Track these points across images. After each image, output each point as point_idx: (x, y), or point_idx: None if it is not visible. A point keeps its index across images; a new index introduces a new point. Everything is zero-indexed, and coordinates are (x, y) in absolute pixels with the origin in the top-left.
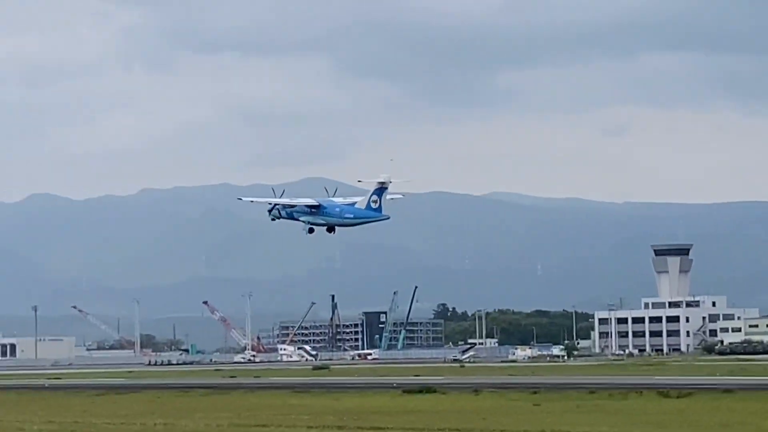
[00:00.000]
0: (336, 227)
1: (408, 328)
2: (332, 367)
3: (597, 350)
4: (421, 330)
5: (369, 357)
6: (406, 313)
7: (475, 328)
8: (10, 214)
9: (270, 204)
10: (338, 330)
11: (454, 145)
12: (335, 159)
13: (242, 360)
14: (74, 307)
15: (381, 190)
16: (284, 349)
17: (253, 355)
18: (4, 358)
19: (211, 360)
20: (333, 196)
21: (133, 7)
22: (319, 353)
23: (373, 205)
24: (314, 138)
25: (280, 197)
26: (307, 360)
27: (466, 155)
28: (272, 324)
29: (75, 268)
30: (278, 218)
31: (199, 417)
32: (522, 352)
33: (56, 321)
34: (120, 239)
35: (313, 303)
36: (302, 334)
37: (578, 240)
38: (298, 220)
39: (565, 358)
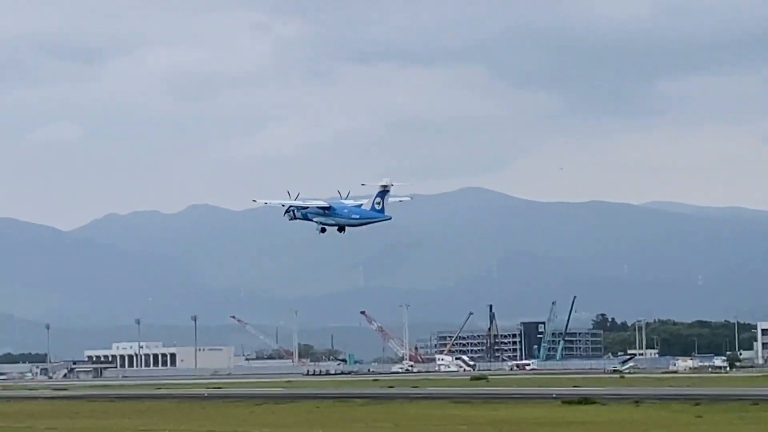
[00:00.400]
0: (346, 227)
1: (567, 338)
2: (490, 377)
3: (760, 361)
4: (579, 340)
5: (527, 367)
6: (565, 323)
7: (635, 338)
8: (170, 225)
9: (284, 205)
10: (496, 340)
11: (612, 154)
12: (493, 169)
13: (400, 370)
14: (233, 317)
15: (383, 193)
16: (442, 359)
17: (411, 365)
18: (164, 368)
19: (368, 370)
20: (345, 199)
21: (291, 19)
22: (477, 363)
23: (376, 207)
24: (471, 148)
25: (295, 199)
26: (465, 370)
27: (624, 164)
28: (430, 334)
29: (233, 278)
30: (294, 219)
31: (359, 426)
32: (683, 363)
33: (215, 330)
34: (278, 249)
35: (471, 313)
36: (460, 344)
37: (739, 249)
38: (311, 220)
39: (728, 369)
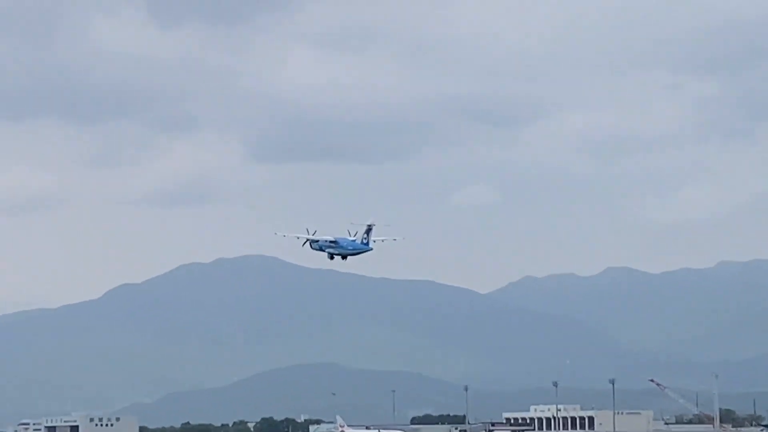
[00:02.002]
0: (347, 256)
1: None
2: None
3: None
4: None
5: None
6: None
7: None
8: (586, 287)
9: (299, 238)
10: None
11: None
12: None
13: None
14: (652, 380)
15: (368, 230)
16: None
17: None
18: (582, 431)
19: None
20: (353, 236)
21: (708, 78)
22: None
23: (363, 241)
24: None
25: (313, 234)
26: None
27: None
28: None
29: (651, 341)
30: (314, 249)
31: None
32: None
33: (634, 394)
34: (698, 312)
35: None
36: None
37: None
38: (324, 251)
39: None
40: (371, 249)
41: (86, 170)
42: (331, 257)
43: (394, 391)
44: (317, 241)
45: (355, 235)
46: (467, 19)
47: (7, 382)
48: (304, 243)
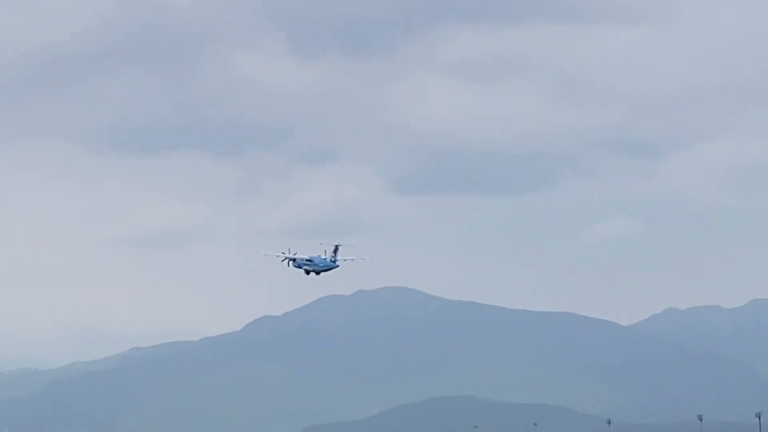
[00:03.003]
0: (320, 272)
1: None
2: None
3: None
4: None
5: None
6: None
7: None
8: (731, 320)
9: (278, 256)
10: None
11: None
12: None
13: None
14: None
15: (335, 250)
16: None
17: None
18: None
19: None
20: (326, 255)
21: None
22: None
23: (332, 259)
24: None
25: (294, 254)
26: None
27: None
28: None
29: None
30: (295, 267)
31: None
32: None
33: None
34: None
35: None
36: None
37: None
38: (301, 267)
39: None
40: (338, 266)
41: (227, 203)
42: (308, 273)
43: (536, 424)
44: (295, 259)
45: (326, 254)
46: (609, 50)
47: (145, 413)
48: (283, 260)
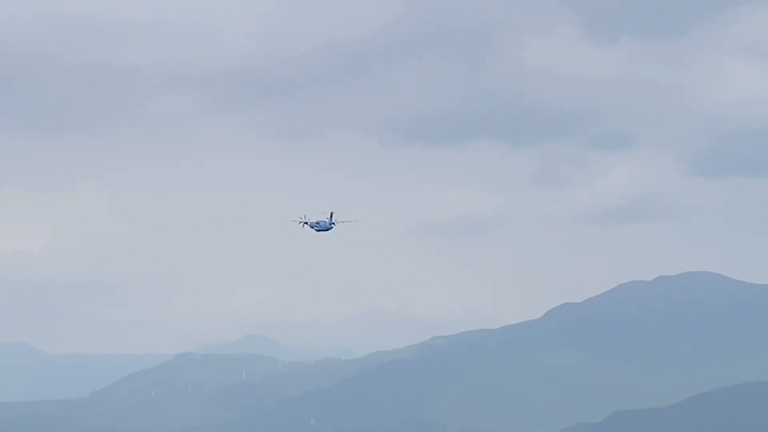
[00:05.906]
0: (324, 231)
1: None
2: None
3: None
4: None
5: None
6: None
7: None
8: None
9: (299, 220)
10: None
11: None
12: None
13: None
14: None
15: (331, 215)
16: None
17: None
18: None
19: None
20: (330, 219)
21: None
22: None
23: (330, 222)
24: None
25: (308, 219)
26: None
27: None
28: None
29: None
30: (311, 227)
31: None
32: None
33: None
34: None
35: None
36: None
37: None
38: (313, 228)
39: None
40: (334, 227)
41: (525, 191)
42: (318, 231)
43: None
44: (307, 222)
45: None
46: None
47: (448, 402)
48: (299, 223)
